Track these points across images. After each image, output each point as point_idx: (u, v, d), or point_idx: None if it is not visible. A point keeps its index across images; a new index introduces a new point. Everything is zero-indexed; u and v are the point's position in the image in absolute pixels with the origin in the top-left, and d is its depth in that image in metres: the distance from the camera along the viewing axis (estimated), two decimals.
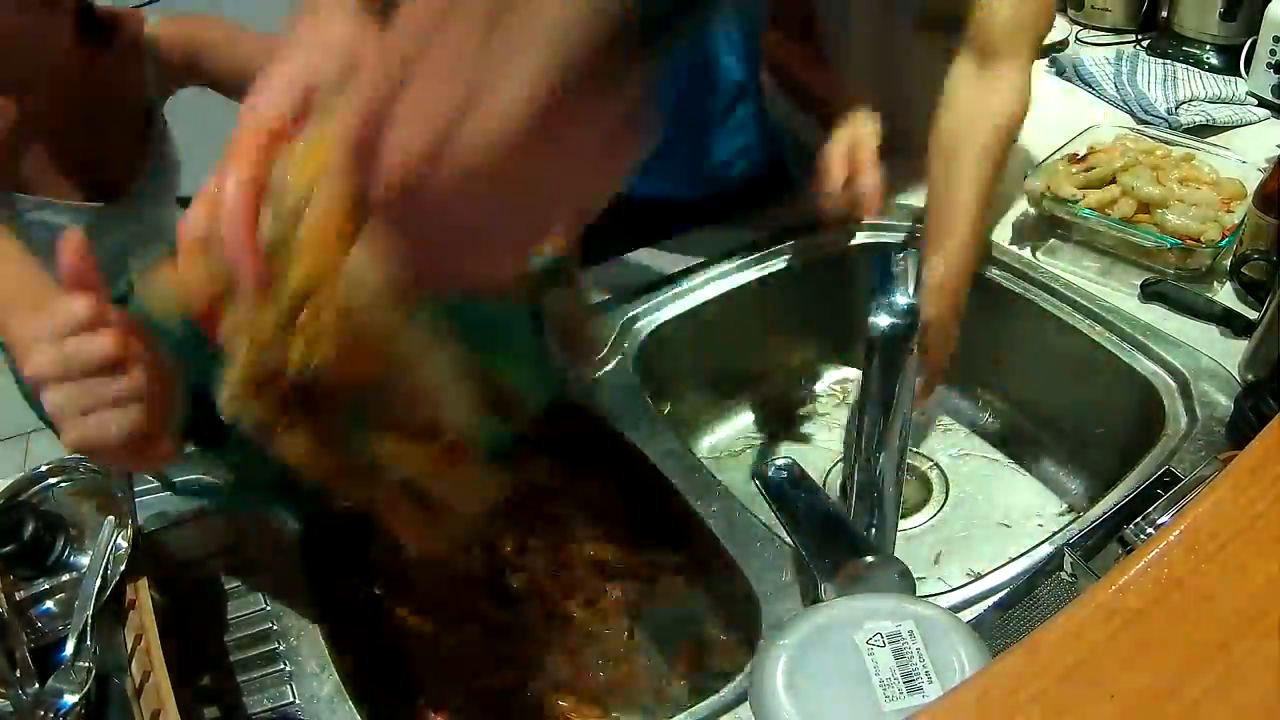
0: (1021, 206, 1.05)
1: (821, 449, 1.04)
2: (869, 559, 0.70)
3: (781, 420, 1.09)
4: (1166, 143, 1.10)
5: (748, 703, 0.49)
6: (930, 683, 0.46)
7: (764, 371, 1.12)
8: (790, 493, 0.75)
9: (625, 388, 0.92)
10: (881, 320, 0.70)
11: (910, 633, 0.48)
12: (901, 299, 0.71)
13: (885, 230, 1.08)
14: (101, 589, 0.62)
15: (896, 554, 0.73)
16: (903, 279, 0.72)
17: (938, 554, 0.91)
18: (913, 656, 0.47)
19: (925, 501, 0.96)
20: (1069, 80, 1.39)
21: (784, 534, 0.74)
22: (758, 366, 1.12)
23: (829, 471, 1.02)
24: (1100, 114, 1.29)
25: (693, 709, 0.64)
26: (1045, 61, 1.50)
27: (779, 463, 0.76)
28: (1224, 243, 0.92)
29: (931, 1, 1.01)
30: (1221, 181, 1.01)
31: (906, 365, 0.71)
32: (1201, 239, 0.93)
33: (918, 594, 0.69)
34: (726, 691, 0.65)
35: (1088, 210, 0.98)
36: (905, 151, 0.98)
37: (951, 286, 0.87)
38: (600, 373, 0.94)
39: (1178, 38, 1.42)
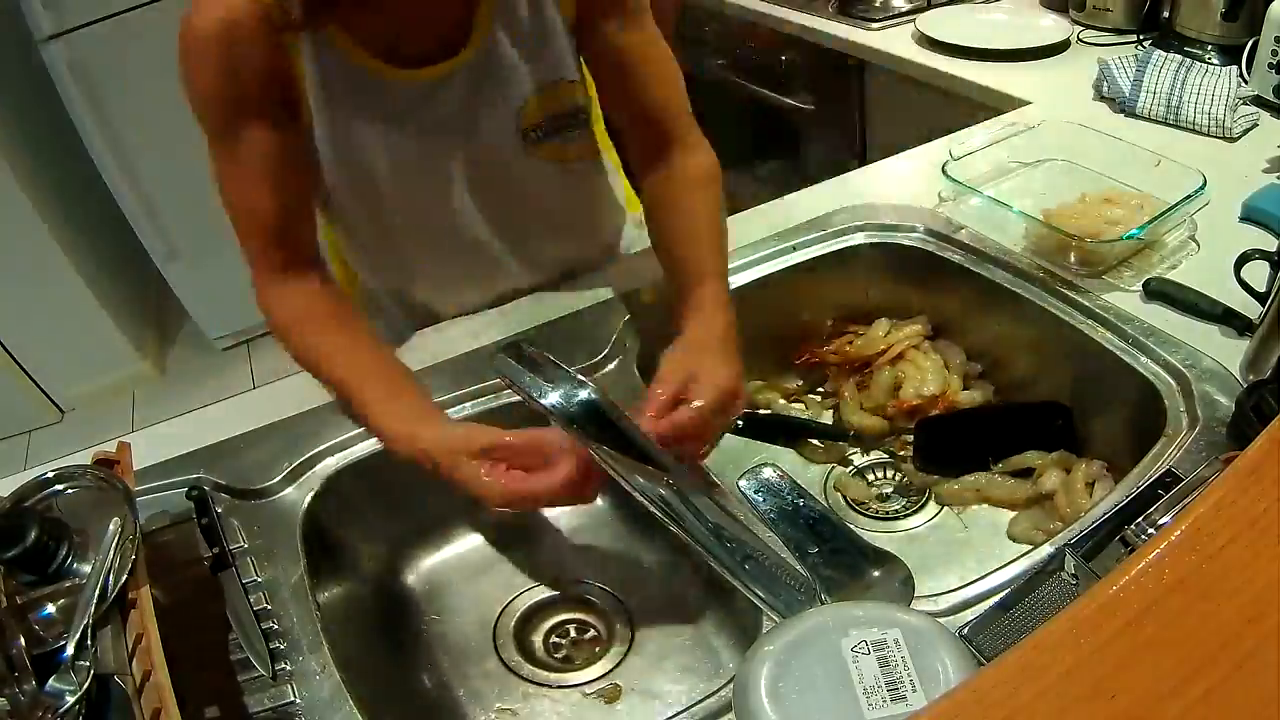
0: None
1: (820, 451, 1.04)
2: (870, 562, 0.70)
3: (781, 423, 1.09)
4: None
5: None
6: (914, 691, 0.46)
7: (764, 372, 1.13)
8: (778, 499, 0.75)
9: (626, 388, 0.92)
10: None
11: (896, 641, 0.48)
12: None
13: (890, 230, 1.08)
14: (102, 595, 0.62)
15: (900, 556, 0.73)
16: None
17: (938, 555, 0.91)
18: (897, 665, 0.47)
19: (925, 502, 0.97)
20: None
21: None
22: (757, 367, 1.12)
23: (828, 474, 1.02)
24: (1097, 111, 1.29)
25: (692, 709, 0.64)
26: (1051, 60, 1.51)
27: (765, 471, 0.76)
28: (1125, 236, 0.93)
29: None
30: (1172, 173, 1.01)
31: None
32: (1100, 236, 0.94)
33: (919, 595, 0.68)
34: (726, 691, 0.65)
35: (1019, 210, 1.00)
36: None
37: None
38: (601, 373, 0.94)
39: (1179, 37, 1.42)
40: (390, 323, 1.08)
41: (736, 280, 1.04)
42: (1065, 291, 0.93)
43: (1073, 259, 0.96)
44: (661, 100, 0.92)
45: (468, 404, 0.92)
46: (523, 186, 0.96)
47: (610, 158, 1.10)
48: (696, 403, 0.73)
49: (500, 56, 0.85)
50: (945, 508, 0.95)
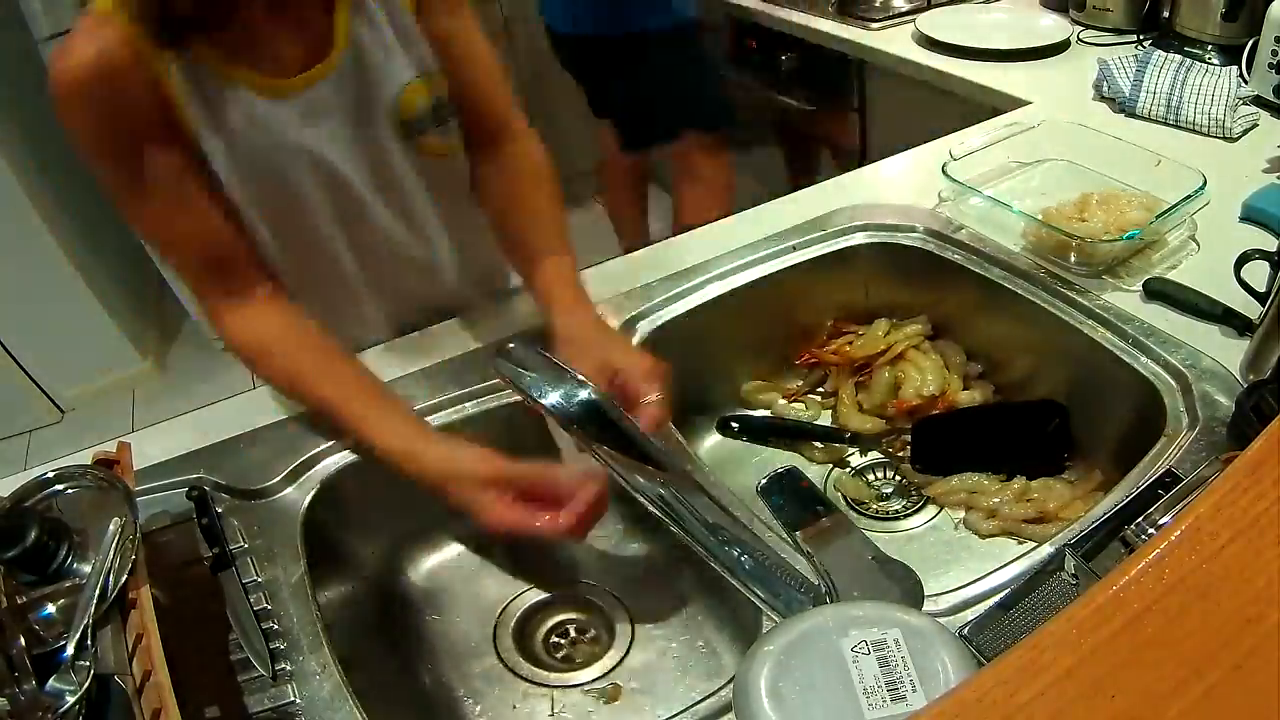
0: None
1: (820, 451, 1.04)
2: (878, 566, 0.70)
3: (778, 425, 1.09)
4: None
5: None
6: (914, 691, 0.46)
7: (764, 373, 1.12)
8: (791, 497, 0.75)
9: None
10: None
11: (896, 641, 0.48)
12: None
13: (890, 231, 1.08)
14: (102, 595, 0.62)
15: (899, 557, 0.73)
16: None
17: (938, 555, 0.91)
18: (897, 665, 0.47)
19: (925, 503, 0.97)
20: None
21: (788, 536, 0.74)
22: (758, 367, 1.12)
23: (828, 475, 1.02)
24: (1097, 111, 1.29)
25: (693, 708, 0.64)
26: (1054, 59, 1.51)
27: (779, 468, 0.76)
28: (1125, 236, 0.93)
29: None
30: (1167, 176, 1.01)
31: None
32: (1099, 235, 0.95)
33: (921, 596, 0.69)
34: (726, 691, 0.65)
35: (1018, 210, 1.00)
36: None
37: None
38: None
39: (1179, 38, 1.42)
40: None
41: (737, 280, 1.04)
42: (1065, 291, 0.93)
43: (1072, 259, 0.96)
44: (487, 88, 0.97)
45: (468, 404, 0.92)
46: (420, 184, 0.97)
47: None
48: (650, 397, 0.78)
49: (366, 54, 0.87)
50: (945, 508, 0.95)
